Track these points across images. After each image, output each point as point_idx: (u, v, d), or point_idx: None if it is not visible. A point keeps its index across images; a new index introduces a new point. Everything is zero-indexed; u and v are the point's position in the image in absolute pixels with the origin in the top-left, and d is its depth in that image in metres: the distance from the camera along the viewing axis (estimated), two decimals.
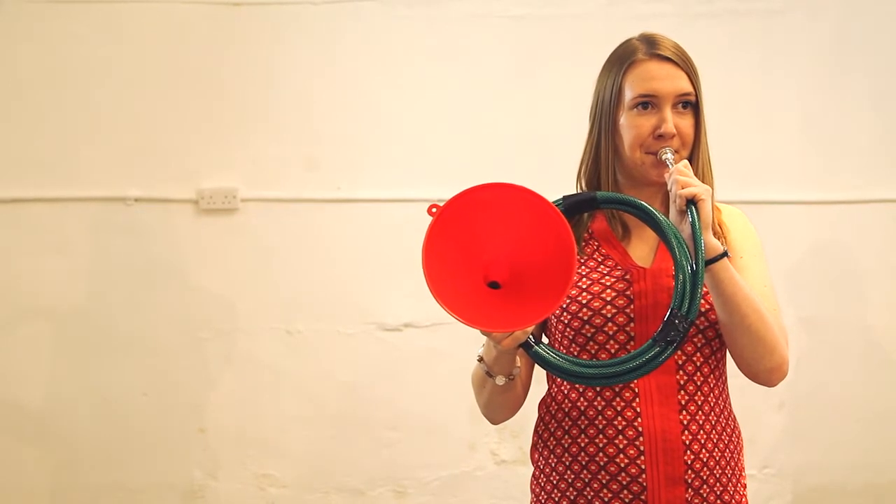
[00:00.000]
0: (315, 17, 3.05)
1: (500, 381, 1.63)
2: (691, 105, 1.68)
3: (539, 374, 1.85)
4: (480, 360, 1.67)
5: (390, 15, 3.07)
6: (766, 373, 1.63)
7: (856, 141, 3.14)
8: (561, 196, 1.69)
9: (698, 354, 1.65)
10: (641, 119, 1.67)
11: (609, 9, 3.06)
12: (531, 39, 3.10)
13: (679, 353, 1.63)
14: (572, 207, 1.64)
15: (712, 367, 1.67)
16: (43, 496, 2.97)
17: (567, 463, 1.67)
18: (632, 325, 1.64)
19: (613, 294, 1.65)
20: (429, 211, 1.48)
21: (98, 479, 2.98)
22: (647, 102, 1.67)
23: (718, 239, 1.70)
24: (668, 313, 1.52)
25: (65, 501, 2.99)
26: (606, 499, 1.64)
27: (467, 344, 2.88)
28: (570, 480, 1.68)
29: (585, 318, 1.65)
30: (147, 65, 3.01)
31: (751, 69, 3.12)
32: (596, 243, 1.73)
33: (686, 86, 1.67)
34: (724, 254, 1.57)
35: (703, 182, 1.67)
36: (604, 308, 1.65)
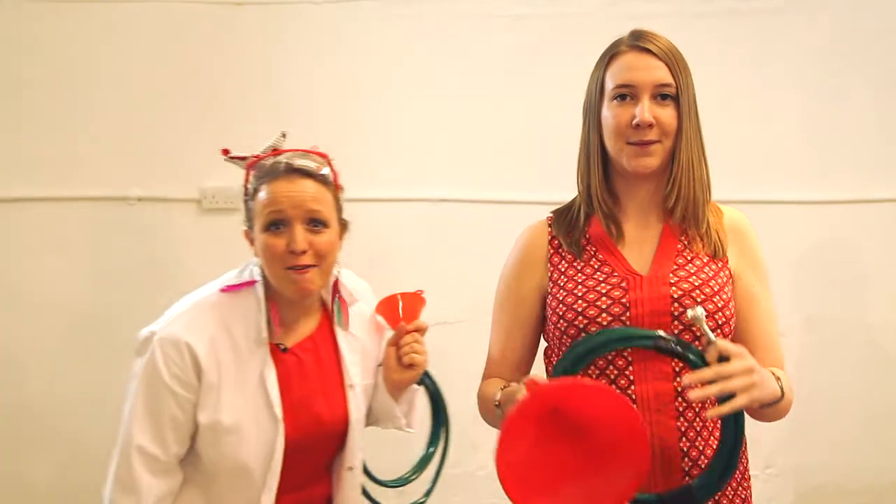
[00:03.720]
0: (316, 17, 3.06)
1: None
2: (672, 97, 1.67)
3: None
4: (498, 405, 1.69)
5: (391, 14, 3.07)
6: (774, 421, 1.67)
7: (855, 140, 3.14)
8: (550, 212, 1.75)
9: None
10: (620, 109, 1.67)
11: (609, 8, 3.06)
12: (531, 38, 3.10)
13: (675, 360, 1.62)
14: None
15: None
16: (44, 495, 2.97)
17: None
18: None
19: (609, 301, 1.65)
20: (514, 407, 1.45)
21: (100, 477, 2.97)
22: (626, 93, 1.67)
23: (717, 247, 1.69)
24: (684, 486, 1.55)
25: (66, 500, 2.99)
26: None
27: (472, 344, 2.88)
28: None
29: (581, 325, 1.65)
30: (150, 64, 3.01)
31: (750, 68, 3.12)
32: (593, 249, 1.72)
33: (664, 76, 1.66)
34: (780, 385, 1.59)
35: (691, 175, 1.67)
36: (599, 316, 1.64)
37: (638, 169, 1.67)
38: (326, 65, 3.05)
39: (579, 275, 1.70)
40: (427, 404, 2.07)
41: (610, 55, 1.71)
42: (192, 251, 3.01)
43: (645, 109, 1.64)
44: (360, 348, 1.87)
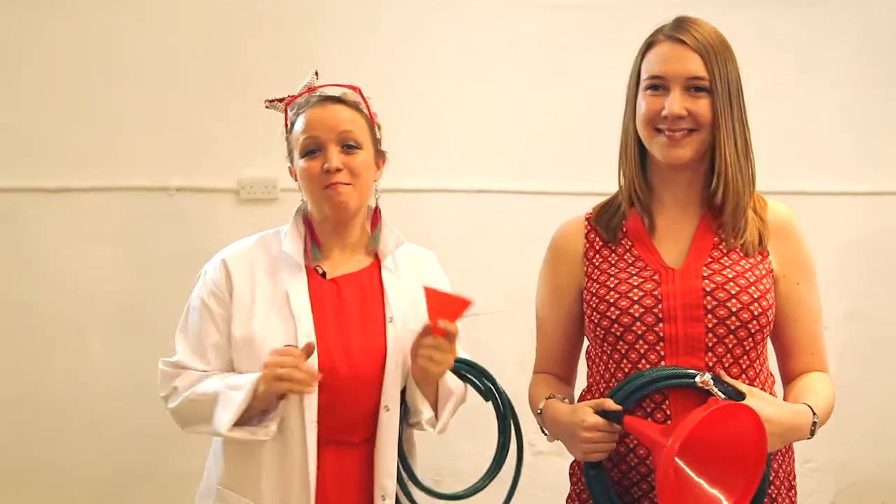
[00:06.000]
0: (356, 6, 3.06)
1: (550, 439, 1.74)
2: (706, 90, 1.64)
3: (581, 366, 1.86)
4: (539, 413, 1.75)
5: (431, 4, 3.07)
6: None
7: None
8: (592, 208, 1.76)
9: (728, 356, 1.64)
10: (652, 99, 1.67)
11: None
12: (570, 28, 3.09)
13: (710, 354, 1.63)
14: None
15: (743, 367, 1.65)
16: (87, 481, 3.01)
17: None
18: (660, 325, 1.63)
19: (641, 294, 1.65)
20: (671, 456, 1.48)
21: (142, 464, 3.02)
22: (658, 84, 1.66)
23: (755, 239, 1.67)
24: None
25: (109, 486, 3.03)
26: (637, 496, 1.67)
27: (505, 335, 2.87)
28: (607, 469, 1.69)
29: (613, 317, 1.66)
30: (189, 54, 3.03)
31: (793, 57, 3.09)
32: (629, 243, 1.73)
33: (697, 69, 1.64)
34: (813, 427, 1.65)
35: (737, 168, 1.64)
36: (631, 307, 1.64)
37: (669, 160, 1.66)
38: (364, 55, 3.06)
39: (613, 268, 1.71)
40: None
41: (647, 44, 1.71)
42: (230, 241, 3.01)
43: (674, 102, 1.63)
44: (407, 292, 1.87)
